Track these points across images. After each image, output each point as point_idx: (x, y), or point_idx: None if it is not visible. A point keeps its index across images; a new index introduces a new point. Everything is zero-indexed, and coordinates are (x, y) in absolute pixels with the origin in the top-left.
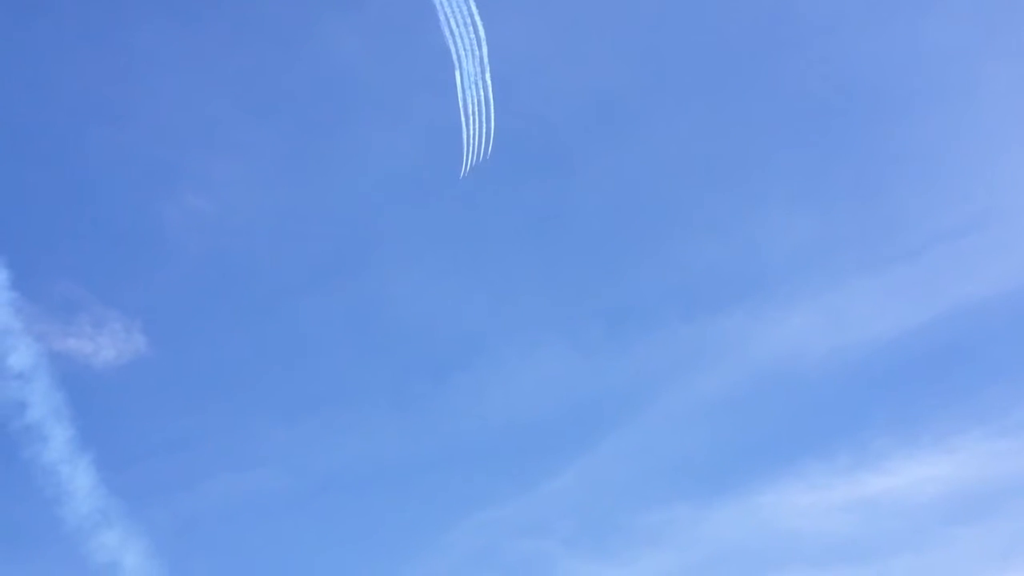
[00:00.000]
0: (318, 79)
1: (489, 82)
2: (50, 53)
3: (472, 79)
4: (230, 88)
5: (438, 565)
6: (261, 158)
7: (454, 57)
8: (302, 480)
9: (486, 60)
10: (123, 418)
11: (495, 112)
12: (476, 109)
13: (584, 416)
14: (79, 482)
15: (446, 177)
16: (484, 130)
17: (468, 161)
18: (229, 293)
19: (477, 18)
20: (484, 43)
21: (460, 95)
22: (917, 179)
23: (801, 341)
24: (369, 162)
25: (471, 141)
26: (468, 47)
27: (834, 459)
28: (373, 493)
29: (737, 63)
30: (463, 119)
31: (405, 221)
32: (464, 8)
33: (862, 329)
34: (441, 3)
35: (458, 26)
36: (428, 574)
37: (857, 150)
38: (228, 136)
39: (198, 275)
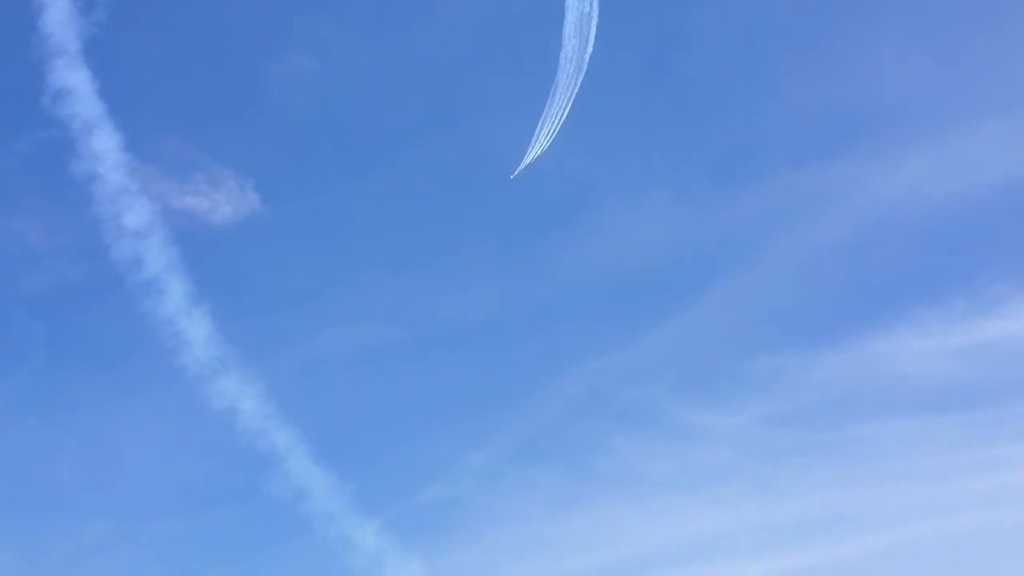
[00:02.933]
0: None
1: None
2: None
3: None
4: None
5: (546, 413)
6: (362, 15)
7: None
8: (413, 331)
9: None
10: (239, 273)
11: None
12: None
13: (691, 266)
14: (197, 333)
15: (548, 26)
16: None
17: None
18: (337, 149)
19: None
20: None
21: None
22: None
23: (917, 185)
24: (469, 14)
25: None
26: None
27: (949, 305)
28: (482, 343)
29: None
30: None
31: (508, 72)
32: None
33: (981, 172)
34: None
35: None
36: (536, 422)
37: None
38: None
39: (306, 133)
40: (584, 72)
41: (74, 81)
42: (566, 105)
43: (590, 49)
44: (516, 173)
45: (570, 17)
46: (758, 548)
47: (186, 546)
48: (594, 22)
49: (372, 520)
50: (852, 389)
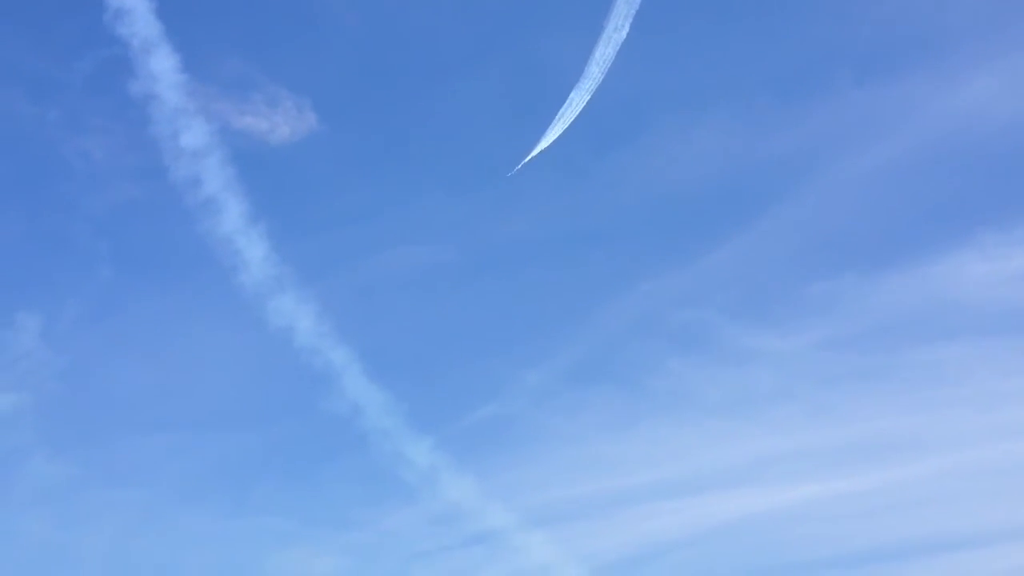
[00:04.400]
0: None
1: None
2: None
3: None
4: None
5: (601, 334)
6: None
7: None
8: (469, 253)
9: None
10: (297, 193)
11: None
12: None
13: (749, 186)
14: (254, 252)
15: None
16: None
17: None
18: (394, 69)
19: None
20: None
21: None
22: None
23: (982, 106)
24: None
25: None
26: None
27: (1011, 229)
28: (538, 264)
29: None
30: None
31: None
32: None
33: None
34: None
35: None
36: (591, 342)
37: None
38: None
39: (363, 52)
40: None
41: (132, 1)
42: (624, 24)
43: None
44: (519, 167)
45: None
46: (811, 472)
47: (246, 459)
48: None
49: (426, 437)
50: (910, 313)
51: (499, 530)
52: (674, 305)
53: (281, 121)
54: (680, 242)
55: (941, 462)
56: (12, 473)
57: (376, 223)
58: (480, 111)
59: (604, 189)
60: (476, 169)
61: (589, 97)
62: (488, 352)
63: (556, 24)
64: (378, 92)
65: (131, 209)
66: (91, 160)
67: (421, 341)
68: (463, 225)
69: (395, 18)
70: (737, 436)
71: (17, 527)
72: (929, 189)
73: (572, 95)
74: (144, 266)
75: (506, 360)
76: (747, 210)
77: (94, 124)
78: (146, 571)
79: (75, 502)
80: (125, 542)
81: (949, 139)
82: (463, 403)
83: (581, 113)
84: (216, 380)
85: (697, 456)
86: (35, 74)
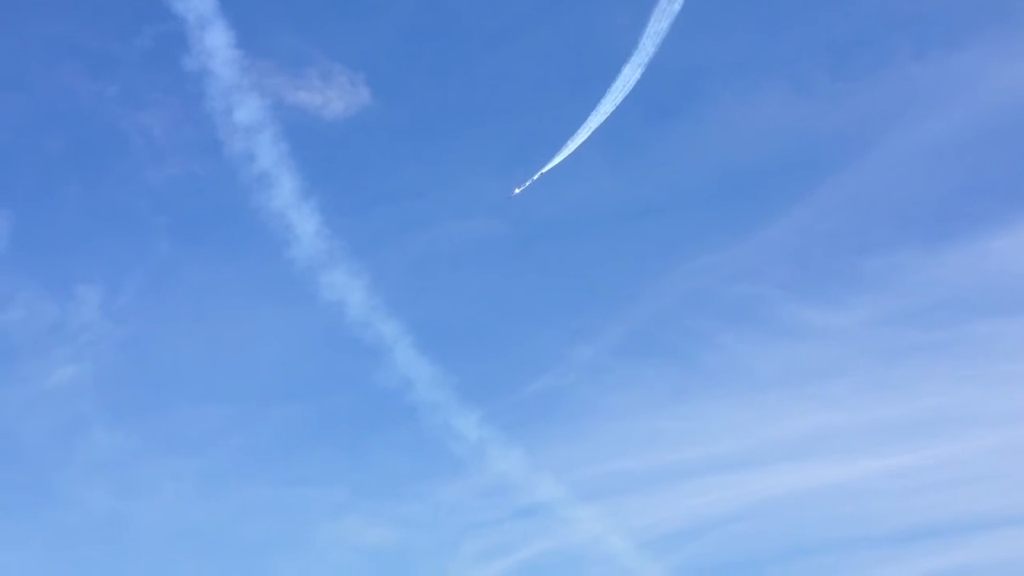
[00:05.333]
0: None
1: None
2: None
3: None
4: None
5: (654, 308)
6: None
7: None
8: (521, 227)
9: None
10: (350, 167)
11: None
12: None
13: (805, 160)
14: (306, 227)
15: None
16: None
17: None
18: (447, 44)
19: None
20: None
21: None
22: None
23: None
24: None
25: None
26: None
27: None
28: (590, 238)
29: None
30: None
31: None
32: None
33: None
34: None
35: None
36: (644, 317)
37: None
38: None
39: (415, 28)
40: None
41: None
42: None
43: None
44: (521, 189)
45: None
46: (865, 448)
47: (299, 431)
48: None
49: (475, 411)
50: (967, 287)
51: (549, 503)
52: (728, 280)
53: (334, 96)
54: (735, 216)
55: (998, 438)
56: (73, 443)
57: (428, 197)
58: (532, 85)
59: (658, 163)
60: (527, 141)
61: (641, 72)
62: (539, 326)
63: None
64: (431, 67)
65: (188, 184)
66: (149, 135)
67: (472, 315)
68: (515, 199)
69: None
70: (790, 411)
71: (78, 495)
72: (988, 162)
73: (625, 69)
74: (200, 240)
75: (557, 334)
76: (803, 184)
77: (152, 99)
78: (203, 539)
79: (134, 471)
80: (183, 510)
81: (1010, 111)
82: (514, 377)
83: (635, 86)
84: (270, 353)
85: (749, 431)
86: (94, 50)
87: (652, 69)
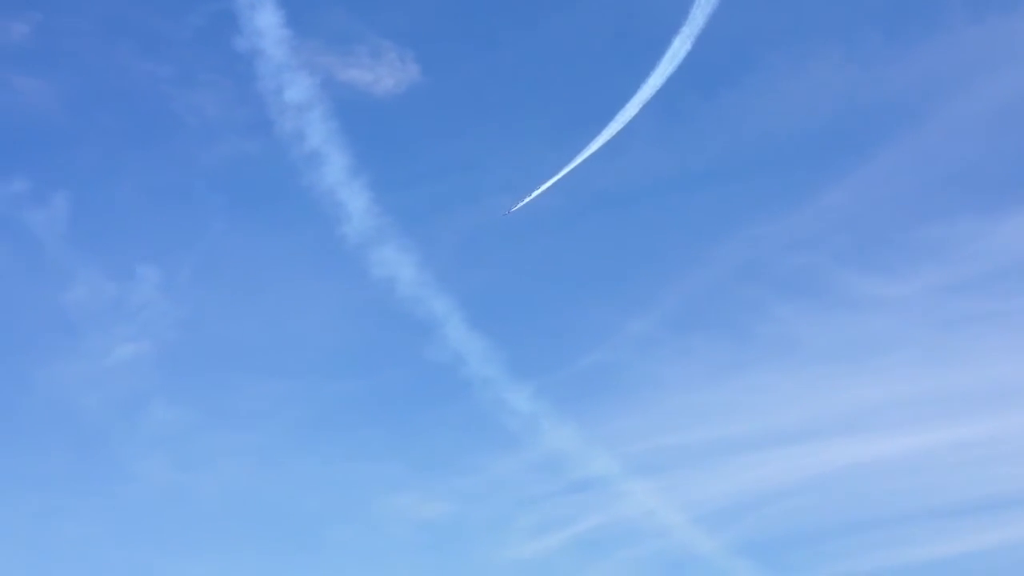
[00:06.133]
0: None
1: None
2: None
3: None
4: None
5: (707, 280)
6: None
7: None
8: (572, 198)
9: None
10: (400, 144)
11: None
12: None
13: (860, 127)
14: (356, 204)
15: None
16: None
17: None
18: (494, 18)
19: None
20: None
21: None
22: None
23: None
24: None
25: None
26: None
27: None
28: (642, 209)
29: None
30: None
31: None
32: None
33: None
34: None
35: None
36: (696, 289)
37: None
38: None
39: (463, 2)
40: None
41: None
42: None
43: None
44: (519, 205)
45: None
46: (924, 420)
47: (355, 406)
48: None
49: (527, 385)
50: None
51: (603, 477)
52: (783, 250)
53: (385, 73)
54: (789, 185)
55: None
56: (134, 418)
57: (478, 172)
58: (582, 58)
59: (711, 132)
60: (577, 113)
61: (692, 43)
62: (592, 299)
63: None
64: (480, 42)
65: (241, 163)
66: (202, 115)
67: (523, 289)
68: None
69: None
70: (847, 383)
71: (139, 469)
72: None
73: (675, 40)
74: (254, 218)
75: (610, 307)
76: (858, 151)
77: (204, 79)
78: (261, 512)
79: (193, 446)
80: (241, 484)
81: None
82: (566, 351)
83: (686, 56)
84: (323, 329)
85: (805, 404)
86: (146, 29)
87: (703, 38)
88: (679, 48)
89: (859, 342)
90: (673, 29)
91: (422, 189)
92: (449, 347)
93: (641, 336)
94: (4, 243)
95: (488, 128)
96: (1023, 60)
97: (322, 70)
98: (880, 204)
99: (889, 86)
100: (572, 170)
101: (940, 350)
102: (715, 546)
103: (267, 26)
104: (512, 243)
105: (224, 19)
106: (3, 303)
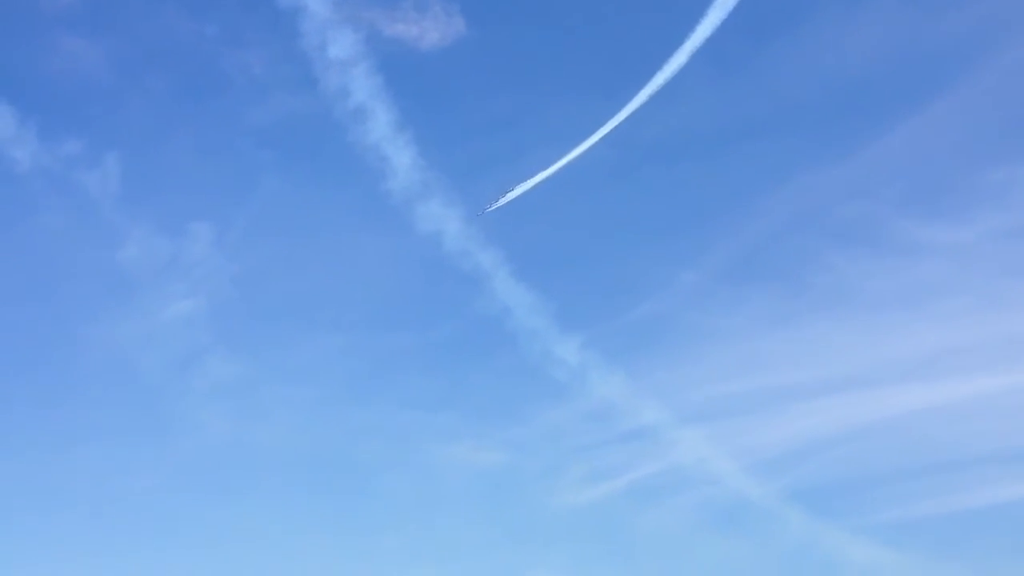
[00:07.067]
0: None
1: None
2: None
3: None
4: None
5: (760, 229)
6: None
7: None
8: (623, 151)
9: None
10: (445, 98)
11: None
12: None
13: (916, 72)
14: (401, 159)
15: None
16: None
17: None
18: None
19: None
20: None
21: None
22: None
23: None
24: None
25: None
26: None
27: None
28: (694, 159)
29: None
30: None
31: None
32: None
33: None
34: None
35: None
36: (750, 238)
37: None
38: None
39: None
40: None
41: None
42: None
43: None
44: (492, 207)
45: None
46: (983, 366)
47: (406, 359)
48: None
49: (575, 337)
50: None
51: (654, 427)
52: (837, 198)
53: (430, 27)
54: (844, 132)
55: None
56: (192, 372)
57: (524, 125)
58: (629, 6)
59: (763, 80)
60: (626, 63)
61: None
62: (642, 251)
63: None
64: None
65: (288, 120)
66: (249, 73)
67: (572, 243)
68: (611, 123)
69: None
70: (904, 330)
71: (198, 422)
72: None
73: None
74: (303, 175)
75: (661, 259)
76: (915, 97)
77: (250, 37)
78: (319, 462)
79: (250, 398)
80: (298, 435)
81: None
82: (616, 303)
83: (737, 2)
84: (373, 283)
85: (860, 351)
86: None
87: None
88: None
89: (915, 289)
90: None
91: (468, 143)
92: (497, 300)
93: (693, 287)
94: (59, 204)
95: (534, 81)
96: None
97: (366, 25)
98: (937, 150)
99: (946, 30)
100: (622, 121)
101: (998, 296)
102: (768, 493)
103: None
104: (561, 196)
105: None
106: (60, 263)
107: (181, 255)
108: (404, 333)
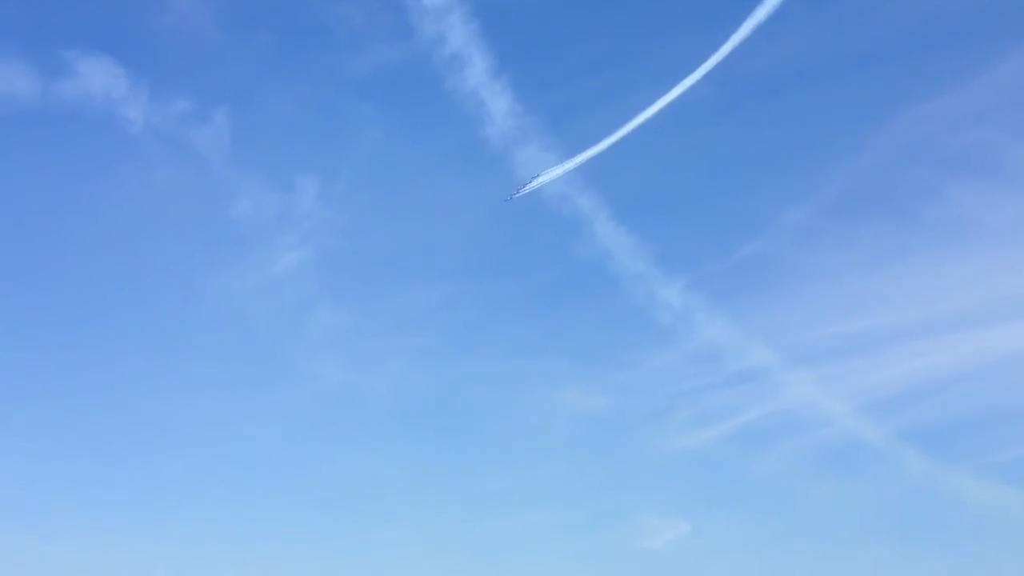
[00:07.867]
0: None
1: None
2: None
3: None
4: None
5: (870, 164)
6: None
7: None
8: (724, 88)
9: None
10: (542, 42)
11: None
12: None
13: None
14: (499, 105)
15: None
16: None
17: None
18: None
19: None
20: None
21: None
22: None
23: None
24: None
25: None
26: None
27: None
28: (798, 93)
29: None
30: None
31: None
32: None
33: None
34: None
35: None
36: (858, 173)
37: None
38: None
39: None
40: None
41: None
42: None
43: None
44: (519, 193)
45: None
46: None
47: (511, 306)
48: None
49: (678, 279)
50: None
51: (763, 368)
52: (952, 127)
53: None
54: (955, 60)
55: None
56: (301, 323)
57: (621, 67)
58: None
59: (868, 8)
60: (724, 2)
61: None
62: (745, 190)
63: None
64: None
65: (387, 71)
66: (349, 25)
67: (672, 184)
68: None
69: None
70: None
71: (308, 370)
72: None
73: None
74: (403, 125)
75: (765, 198)
76: None
77: None
78: (429, 410)
79: (359, 348)
80: (407, 383)
81: None
82: (719, 244)
83: None
84: (474, 231)
85: (979, 288)
86: None
87: None
88: None
89: None
90: None
91: (564, 87)
92: (598, 244)
93: (799, 225)
94: (173, 162)
95: (631, 22)
96: None
97: None
98: None
99: None
100: (727, 55)
101: None
102: (881, 434)
103: None
104: (660, 138)
105: None
106: (175, 220)
107: (289, 208)
108: (507, 281)
